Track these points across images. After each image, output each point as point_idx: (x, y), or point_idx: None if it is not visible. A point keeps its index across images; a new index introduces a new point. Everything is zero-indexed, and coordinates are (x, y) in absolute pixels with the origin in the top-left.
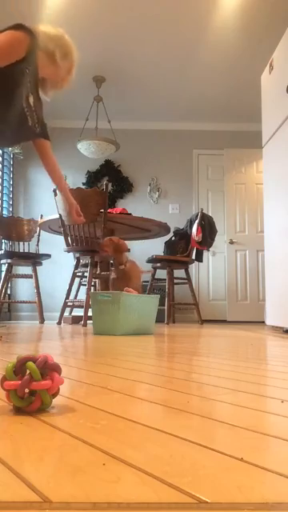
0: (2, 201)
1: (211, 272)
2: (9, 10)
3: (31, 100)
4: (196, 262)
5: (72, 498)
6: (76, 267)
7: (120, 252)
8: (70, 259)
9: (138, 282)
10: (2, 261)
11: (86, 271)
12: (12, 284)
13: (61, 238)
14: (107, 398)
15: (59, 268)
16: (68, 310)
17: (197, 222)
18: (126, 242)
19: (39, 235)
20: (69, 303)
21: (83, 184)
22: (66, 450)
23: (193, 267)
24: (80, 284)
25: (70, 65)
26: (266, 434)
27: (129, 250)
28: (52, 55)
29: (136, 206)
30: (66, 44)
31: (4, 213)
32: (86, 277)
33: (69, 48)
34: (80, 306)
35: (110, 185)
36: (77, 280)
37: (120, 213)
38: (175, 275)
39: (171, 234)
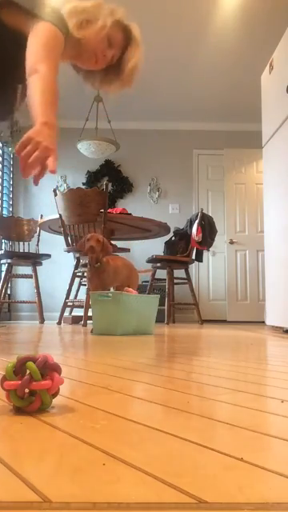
0: (2, 201)
1: (211, 272)
2: None
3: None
4: (196, 262)
5: (72, 498)
6: (76, 267)
7: (105, 253)
8: (70, 259)
9: (113, 276)
10: (2, 261)
11: (86, 271)
12: (12, 284)
13: (61, 238)
14: (107, 398)
15: (59, 268)
16: (68, 309)
17: (197, 222)
18: (125, 241)
19: (39, 235)
20: (69, 303)
21: (83, 184)
22: (66, 450)
23: (193, 267)
24: (80, 284)
25: (96, 28)
26: (266, 434)
27: (128, 251)
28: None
29: (136, 205)
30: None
31: (4, 213)
32: (85, 277)
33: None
34: (80, 306)
35: (110, 185)
36: (77, 280)
37: (120, 213)
38: (175, 275)
39: (171, 233)
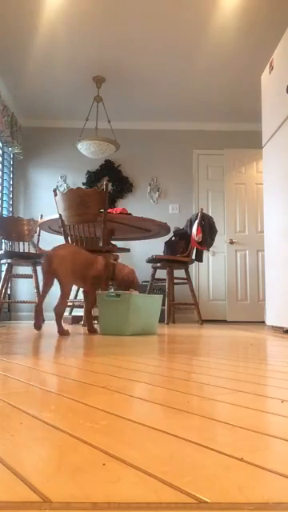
0: (2, 201)
1: (211, 272)
2: (10, 9)
3: None
4: (196, 262)
5: (72, 498)
6: None
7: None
8: None
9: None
10: (2, 261)
11: None
12: (12, 284)
13: (61, 238)
14: (107, 398)
15: None
16: (68, 309)
17: (197, 222)
18: (125, 241)
19: (39, 235)
20: (69, 303)
21: (83, 184)
22: (66, 450)
23: (193, 267)
24: None
25: None
26: (266, 434)
27: (128, 251)
28: None
29: (136, 205)
30: None
31: (4, 213)
32: None
33: None
34: (80, 306)
35: (110, 185)
36: None
37: (120, 213)
38: (175, 275)
39: (171, 233)
